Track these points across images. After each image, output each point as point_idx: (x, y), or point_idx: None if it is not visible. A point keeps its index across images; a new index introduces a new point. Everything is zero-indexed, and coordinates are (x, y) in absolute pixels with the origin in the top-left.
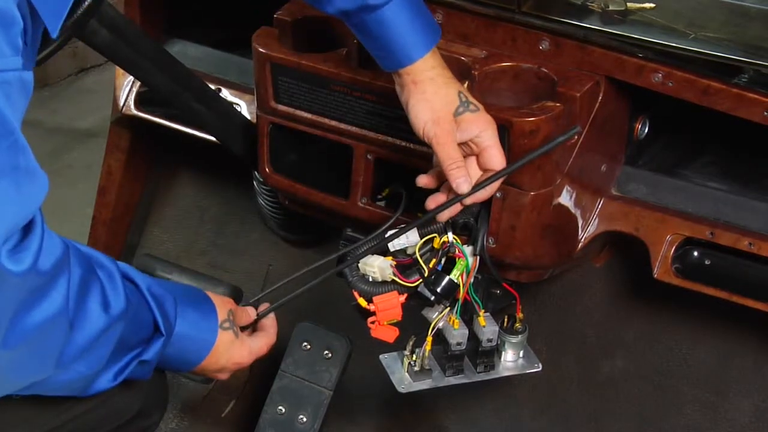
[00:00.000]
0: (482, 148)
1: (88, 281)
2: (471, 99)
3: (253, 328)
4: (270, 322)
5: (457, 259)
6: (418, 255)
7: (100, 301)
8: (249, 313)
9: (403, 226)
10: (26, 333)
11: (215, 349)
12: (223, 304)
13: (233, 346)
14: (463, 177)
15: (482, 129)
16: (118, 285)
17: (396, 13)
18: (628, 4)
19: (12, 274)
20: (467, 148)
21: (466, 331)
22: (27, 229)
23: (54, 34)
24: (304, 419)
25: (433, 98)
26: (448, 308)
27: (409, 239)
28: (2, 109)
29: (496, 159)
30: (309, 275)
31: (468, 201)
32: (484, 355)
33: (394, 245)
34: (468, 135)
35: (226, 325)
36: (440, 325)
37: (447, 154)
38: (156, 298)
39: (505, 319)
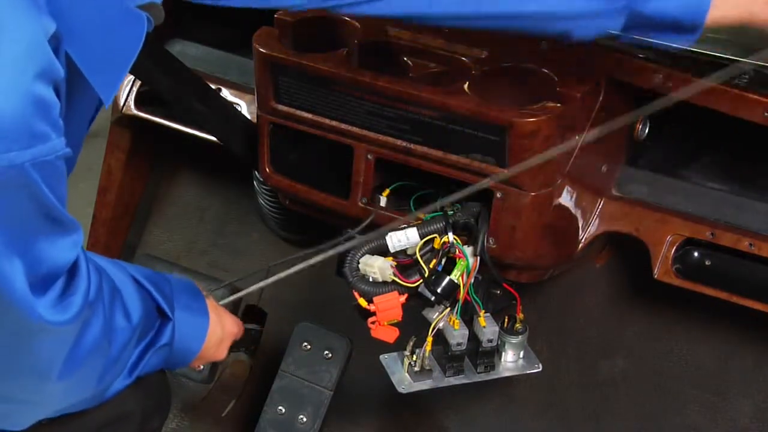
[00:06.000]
0: None
1: (113, 296)
2: None
3: None
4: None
5: (457, 260)
6: (418, 255)
7: (123, 313)
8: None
9: (404, 226)
10: (78, 362)
11: (211, 321)
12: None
13: (220, 312)
14: None
15: None
16: (133, 292)
17: None
18: None
19: (60, 324)
20: None
21: (467, 332)
22: (72, 272)
23: (107, 104)
24: (304, 419)
25: None
26: (449, 308)
27: (410, 239)
28: (40, 187)
29: None
30: (308, 276)
31: None
32: (484, 355)
33: (394, 245)
34: None
35: (205, 292)
36: (440, 325)
37: None
38: (154, 284)
39: (506, 320)
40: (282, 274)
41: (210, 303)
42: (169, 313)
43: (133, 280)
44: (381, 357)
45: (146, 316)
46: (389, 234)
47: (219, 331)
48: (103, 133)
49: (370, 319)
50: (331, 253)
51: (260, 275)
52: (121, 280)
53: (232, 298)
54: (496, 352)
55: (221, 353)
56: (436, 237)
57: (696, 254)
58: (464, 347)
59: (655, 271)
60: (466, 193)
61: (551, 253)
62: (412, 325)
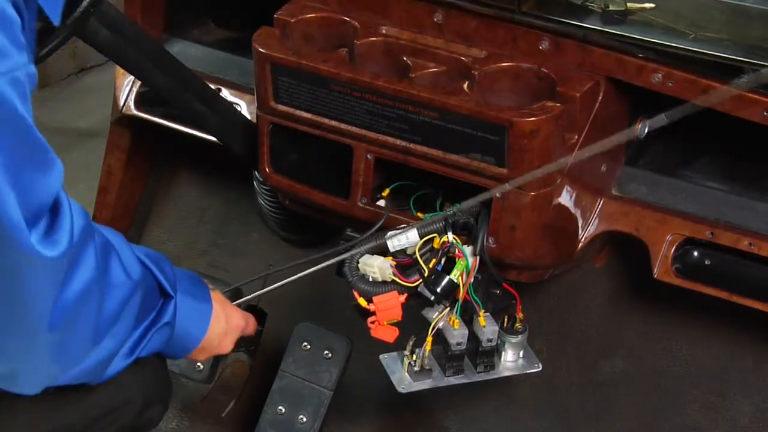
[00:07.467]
0: None
1: (107, 246)
2: None
3: None
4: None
5: (457, 259)
6: (418, 255)
7: (122, 269)
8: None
9: (403, 226)
10: (68, 308)
11: (214, 311)
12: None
13: (226, 305)
14: None
15: None
16: (129, 251)
17: None
18: (629, 4)
19: (51, 259)
20: None
21: (466, 331)
22: (55, 209)
23: (56, 21)
24: (304, 419)
25: None
26: (448, 308)
27: (410, 239)
28: (17, 108)
29: None
30: (308, 276)
31: None
32: (484, 355)
33: (394, 245)
34: None
35: (211, 286)
36: (440, 325)
37: None
38: (155, 263)
39: (505, 319)
40: (291, 279)
41: (216, 295)
42: (171, 292)
43: (133, 252)
44: (381, 357)
45: (148, 294)
46: (389, 233)
47: (223, 322)
48: (103, 133)
49: (370, 319)
50: (338, 258)
51: (264, 276)
52: (120, 245)
53: (242, 300)
54: (496, 351)
55: (226, 346)
56: (435, 237)
57: (696, 254)
58: (464, 347)
59: (655, 271)
60: (473, 203)
61: (551, 252)
62: (412, 325)
